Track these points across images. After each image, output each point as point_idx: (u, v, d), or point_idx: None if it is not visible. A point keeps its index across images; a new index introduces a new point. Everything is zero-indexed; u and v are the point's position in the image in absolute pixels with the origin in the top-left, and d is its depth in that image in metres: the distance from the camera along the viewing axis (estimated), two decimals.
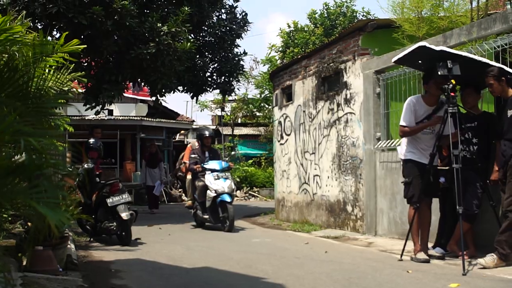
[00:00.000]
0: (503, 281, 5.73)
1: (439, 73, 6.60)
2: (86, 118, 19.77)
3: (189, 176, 12.60)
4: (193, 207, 12.24)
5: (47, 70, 4.93)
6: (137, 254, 8.31)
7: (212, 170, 11.52)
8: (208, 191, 11.37)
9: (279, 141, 14.50)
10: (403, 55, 7.25)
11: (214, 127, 34.62)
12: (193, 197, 12.16)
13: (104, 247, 9.11)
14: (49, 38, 10.33)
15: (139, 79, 13.64)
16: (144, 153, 20.78)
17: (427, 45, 6.84)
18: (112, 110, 23.20)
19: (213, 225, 11.64)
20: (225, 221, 11.13)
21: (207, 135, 12.35)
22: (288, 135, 13.85)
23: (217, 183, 11.25)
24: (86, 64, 13.03)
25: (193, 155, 12.17)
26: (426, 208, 7.17)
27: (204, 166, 11.66)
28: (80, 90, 10.40)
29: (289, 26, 29.77)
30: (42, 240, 5.89)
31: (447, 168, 6.97)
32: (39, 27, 11.48)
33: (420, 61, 7.26)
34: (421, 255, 6.95)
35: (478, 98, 7.30)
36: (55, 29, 12.16)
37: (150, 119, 24.15)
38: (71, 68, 5.62)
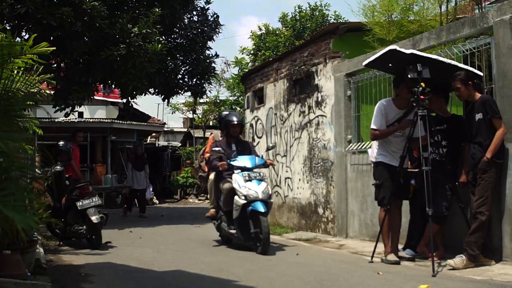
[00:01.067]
0: (472, 282, 5.79)
1: (409, 76, 6.66)
2: (56, 120, 19.54)
3: (211, 176, 9.68)
4: (217, 217, 9.48)
5: (15, 72, 4.86)
6: (107, 257, 8.23)
7: (242, 169, 8.81)
8: (236, 197, 8.57)
9: None
10: (374, 58, 7.30)
11: (185, 129, 34.53)
12: (217, 204, 9.40)
13: (73, 250, 9.01)
14: (17, 39, 10.22)
15: (109, 81, 13.52)
16: (129, 156, 20.64)
17: (398, 48, 6.90)
18: (82, 113, 22.95)
19: (242, 243, 8.77)
20: (258, 238, 8.23)
21: (235, 122, 9.40)
22: (260, 137, 13.85)
23: (248, 186, 8.47)
24: (55, 65, 12.87)
25: (216, 148, 9.05)
26: (397, 210, 7.23)
27: (232, 162, 8.94)
28: (48, 92, 10.26)
29: (260, 29, 29.81)
30: (9, 244, 5.80)
31: (417, 170, 7.03)
32: (7, 27, 11.31)
33: (390, 65, 7.32)
34: (392, 257, 7.00)
35: (447, 101, 7.38)
36: (23, 30, 11.98)
37: (121, 122, 23.96)
38: (40, 69, 5.54)
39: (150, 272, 6.95)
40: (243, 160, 8.97)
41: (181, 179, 25.66)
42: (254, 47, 29.42)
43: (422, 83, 6.64)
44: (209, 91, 29.70)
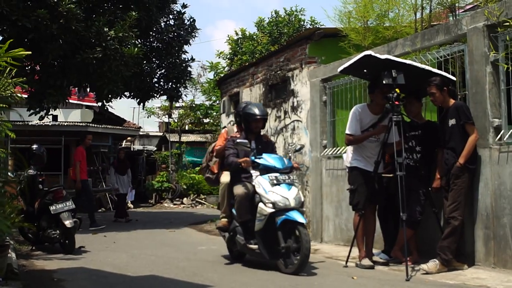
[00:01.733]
0: (445, 286, 5.85)
1: (383, 82, 6.70)
2: (29, 123, 19.32)
3: (224, 179, 7.83)
4: (230, 228, 7.73)
5: None
6: (80, 262, 8.15)
7: (268, 169, 7.21)
8: (261, 205, 6.95)
9: None
10: (349, 64, 7.33)
11: (161, 134, 34.36)
12: (230, 213, 7.73)
13: (46, 255, 8.90)
14: None
15: (85, 84, 13.41)
16: (111, 161, 20.57)
17: (373, 54, 6.94)
18: (56, 116, 22.72)
19: (263, 261, 7.27)
20: (289, 255, 6.76)
21: (258, 115, 7.66)
22: None
23: (276, 191, 6.89)
24: (29, 68, 12.74)
25: (240, 140, 7.33)
26: (371, 215, 7.28)
27: (257, 160, 7.30)
28: (20, 95, 10.15)
29: (237, 34, 29.86)
30: None
31: (391, 175, 7.08)
32: None
33: (365, 70, 7.37)
34: (366, 262, 7.04)
35: (421, 106, 7.45)
36: None
37: (96, 125, 23.78)
38: (14, 72, 5.47)
39: (124, 277, 6.89)
40: (270, 159, 7.31)
41: (156, 184, 25.54)
42: (230, 51, 29.45)
43: (396, 89, 6.69)
44: (185, 95, 29.68)
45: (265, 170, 7.20)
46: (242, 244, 7.39)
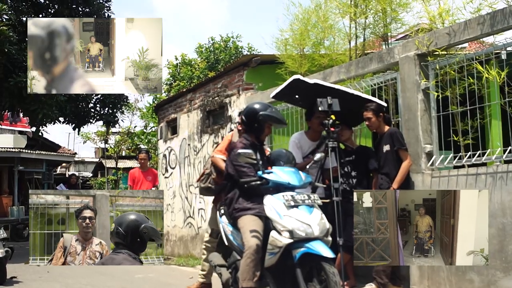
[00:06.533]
0: None
1: (319, 109, 6.78)
2: None
3: None
4: (228, 263, 5.91)
5: None
6: None
7: (279, 187, 5.59)
8: (274, 234, 5.30)
9: (163, 174, 14.37)
10: (280, 89, 7.37)
11: (97, 160, 33.83)
12: (229, 243, 5.90)
13: None
14: None
15: (18, 109, 13.11)
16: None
17: (301, 77, 7.03)
18: None
19: None
20: None
21: (283, 123, 6.32)
22: (173, 168, 13.76)
23: (294, 216, 5.30)
24: None
25: (243, 151, 5.69)
26: None
27: (267, 176, 5.60)
28: None
29: (176, 59, 29.84)
30: None
31: (327, 201, 7.14)
32: None
33: (297, 96, 7.42)
34: None
35: (351, 132, 7.56)
36: None
37: (29, 151, 23.21)
38: None
39: None
40: (283, 174, 5.67)
41: None
42: (169, 77, 29.38)
43: (332, 116, 6.78)
44: (122, 121, 29.47)
45: (276, 188, 5.57)
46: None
